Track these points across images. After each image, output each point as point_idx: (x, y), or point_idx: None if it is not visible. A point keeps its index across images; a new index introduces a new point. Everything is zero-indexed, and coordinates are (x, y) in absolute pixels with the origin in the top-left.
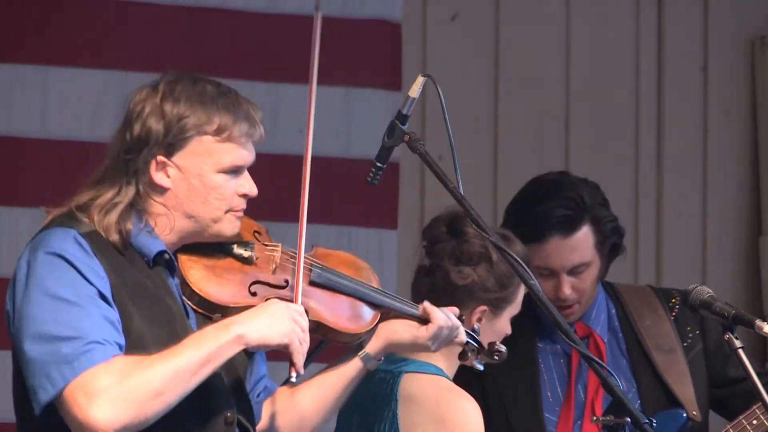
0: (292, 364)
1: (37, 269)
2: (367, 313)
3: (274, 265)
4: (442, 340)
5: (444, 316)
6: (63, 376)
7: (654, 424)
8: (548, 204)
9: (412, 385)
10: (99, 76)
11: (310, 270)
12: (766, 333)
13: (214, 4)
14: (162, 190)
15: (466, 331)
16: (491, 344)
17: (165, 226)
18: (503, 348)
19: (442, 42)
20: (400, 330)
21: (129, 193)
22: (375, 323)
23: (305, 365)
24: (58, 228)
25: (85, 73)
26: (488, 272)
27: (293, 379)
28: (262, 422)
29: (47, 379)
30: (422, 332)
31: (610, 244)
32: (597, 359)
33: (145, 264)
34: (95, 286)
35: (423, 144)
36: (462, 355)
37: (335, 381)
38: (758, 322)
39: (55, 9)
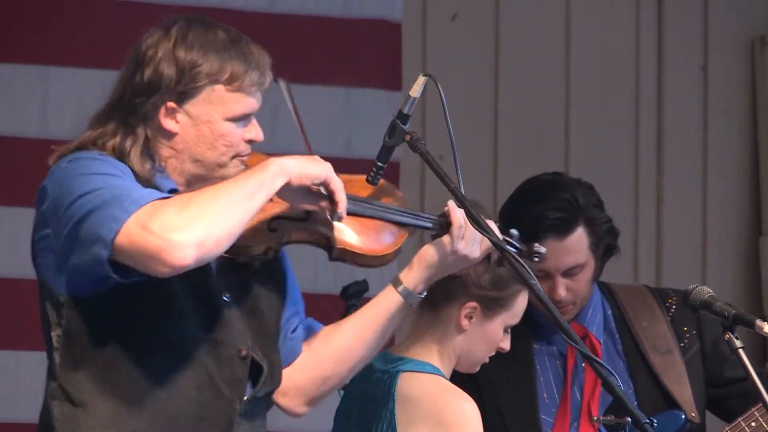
0: (334, 202)
1: (65, 169)
2: (393, 234)
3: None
4: (472, 238)
5: (460, 216)
6: (126, 210)
7: (655, 424)
8: (543, 205)
9: (410, 384)
10: (99, 76)
11: None
12: (766, 333)
13: (214, 4)
14: (170, 135)
15: (499, 237)
16: (530, 246)
17: (174, 168)
18: (543, 249)
19: (442, 42)
20: (431, 251)
21: (140, 137)
22: (401, 243)
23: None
24: (80, 152)
25: (85, 73)
26: (485, 270)
27: (340, 214)
28: (302, 358)
29: (111, 219)
30: (447, 240)
31: (604, 245)
32: (598, 359)
33: None
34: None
35: (424, 144)
36: (500, 261)
37: (376, 314)
38: (758, 322)
39: (55, 9)
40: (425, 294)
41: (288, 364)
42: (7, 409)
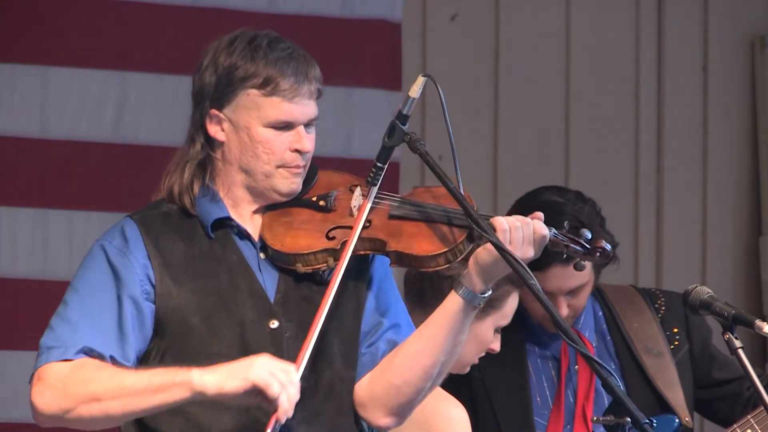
0: (273, 410)
1: (83, 259)
2: (450, 234)
3: (350, 209)
4: (521, 240)
5: (503, 220)
6: (42, 352)
7: (654, 424)
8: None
9: None
10: (99, 76)
11: (390, 205)
12: (766, 333)
13: (214, 4)
14: (218, 144)
15: (560, 235)
16: (591, 241)
17: (224, 182)
18: (607, 245)
19: (442, 42)
20: (482, 253)
21: (196, 148)
22: (459, 242)
23: None
24: (120, 221)
25: (85, 73)
26: None
27: (279, 421)
28: (375, 369)
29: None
30: (493, 248)
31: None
32: (597, 360)
33: (204, 233)
34: (121, 279)
35: (423, 144)
36: (565, 258)
37: (441, 319)
38: (758, 322)
39: (55, 9)
40: (490, 292)
41: (360, 378)
42: (7, 409)
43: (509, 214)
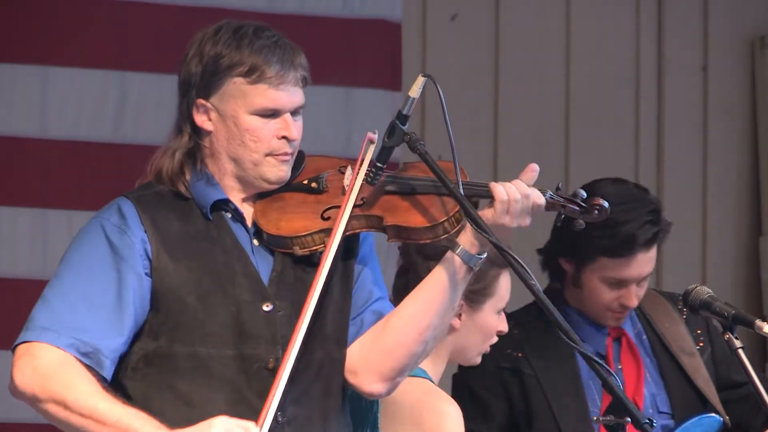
0: None
1: (75, 238)
2: (445, 205)
3: (342, 188)
4: (519, 212)
5: (502, 190)
6: (26, 330)
7: (654, 424)
8: (639, 220)
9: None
10: (99, 76)
11: (384, 182)
12: (766, 333)
13: (214, 4)
14: (206, 133)
15: (555, 197)
16: (587, 200)
17: (215, 169)
18: (604, 202)
19: (442, 42)
20: (482, 217)
21: (183, 138)
22: (455, 211)
23: None
24: (114, 200)
25: (85, 73)
26: None
27: None
28: (367, 334)
29: (24, 328)
30: (492, 214)
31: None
32: (597, 360)
33: (202, 215)
34: (123, 256)
35: (423, 144)
36: (563, 220)
37: (437, 280)
38: (758, 322)
39: (55, 9)
40: (485, 255)
41: (348, 345)
42: (7, 409)
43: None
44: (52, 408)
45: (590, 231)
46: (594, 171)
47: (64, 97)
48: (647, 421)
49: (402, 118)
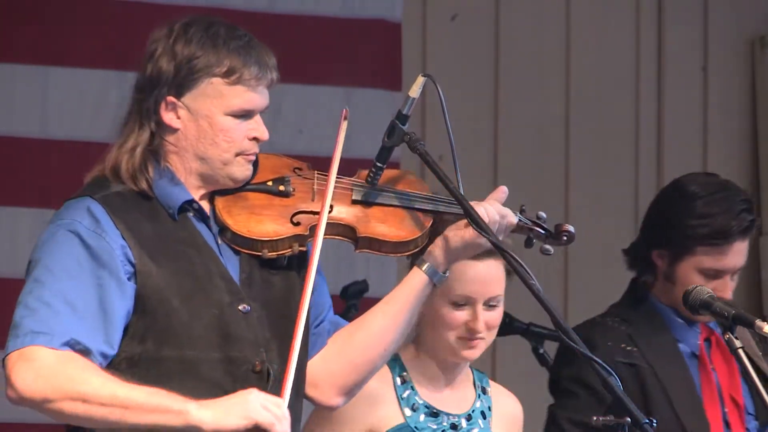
0: None
1: (44, 240)
2: (418, 221)
3: (312, 193)
4: (496, 232)
5: (483, 211)
6: (14, 338)
7: (654, 424)
8: (734, 210)
9: None
10: (99, 76)
11: (351, 190)
12: (766, 333)
13: (214, 4)
14: (172, 130)
15: (524, 219)
16: (557, 226)
17: (179, 167)
18: (571, 228)
19: (442, 42)
20: (451, 236)
21: (144, 134)
22: (426, 229)
23: None
24: (72, 200)
25: (85, 73)
26: None
27: None
28: (331, 348)
29: (10, 336)
30: (468, 233)
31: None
32: (597, 360)
33: (168, 216)
34: (103, 261)
35: (423, 144)
36: (527, 242)
37: (405, 296)
38: (758, 322)
39: (56, 9)
40: (447, 274)
41: (310, 358)
42: (7, 409)
43: (686, 207)
44: (68, 405)
45: (686, 221)
46: (594, 171)
47: (64, 97)
48: (647, 421)
49: (402, 118)
